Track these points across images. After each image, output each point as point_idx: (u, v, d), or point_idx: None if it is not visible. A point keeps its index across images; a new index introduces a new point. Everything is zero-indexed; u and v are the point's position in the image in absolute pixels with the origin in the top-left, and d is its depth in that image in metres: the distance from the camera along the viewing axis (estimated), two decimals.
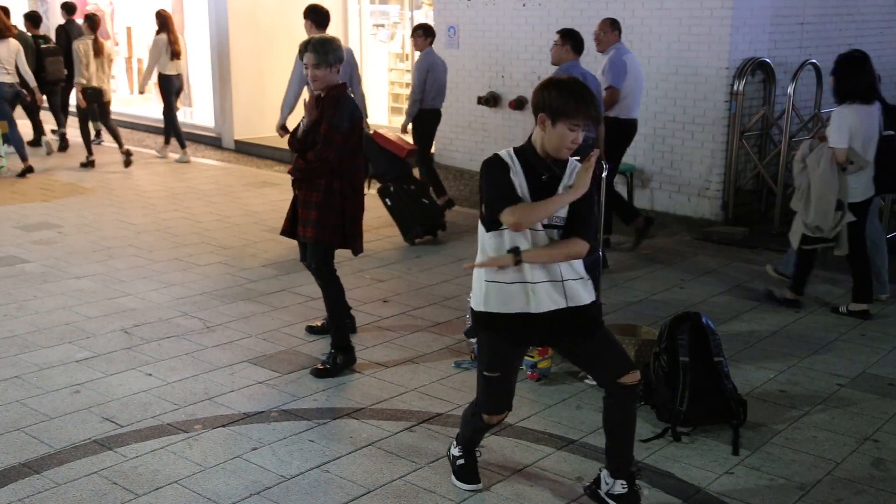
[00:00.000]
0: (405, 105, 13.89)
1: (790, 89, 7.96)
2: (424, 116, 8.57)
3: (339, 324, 4.91)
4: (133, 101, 15.34)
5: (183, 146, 11.17)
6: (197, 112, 13.97)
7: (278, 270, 6.67)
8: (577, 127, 3.16)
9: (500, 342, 3.39)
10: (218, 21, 12.29)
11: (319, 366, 4.82)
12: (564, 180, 3.29)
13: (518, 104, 9.59)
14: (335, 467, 3.85)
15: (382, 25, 14.58)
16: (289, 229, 5.00)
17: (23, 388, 4.61)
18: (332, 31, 14.47)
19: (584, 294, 3.35)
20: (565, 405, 4.49)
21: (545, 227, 3.27)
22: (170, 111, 11.14)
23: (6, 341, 5.25)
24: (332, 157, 4.64)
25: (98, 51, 10.38)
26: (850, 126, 5.40)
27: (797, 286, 5.99)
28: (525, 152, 3.29)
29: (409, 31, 13.53)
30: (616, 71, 7.07)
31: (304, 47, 4.71)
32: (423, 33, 8.60)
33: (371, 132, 7.59)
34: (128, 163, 10.58)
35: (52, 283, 6.34)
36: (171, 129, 11.23)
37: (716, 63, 8.15)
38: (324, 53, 4.65)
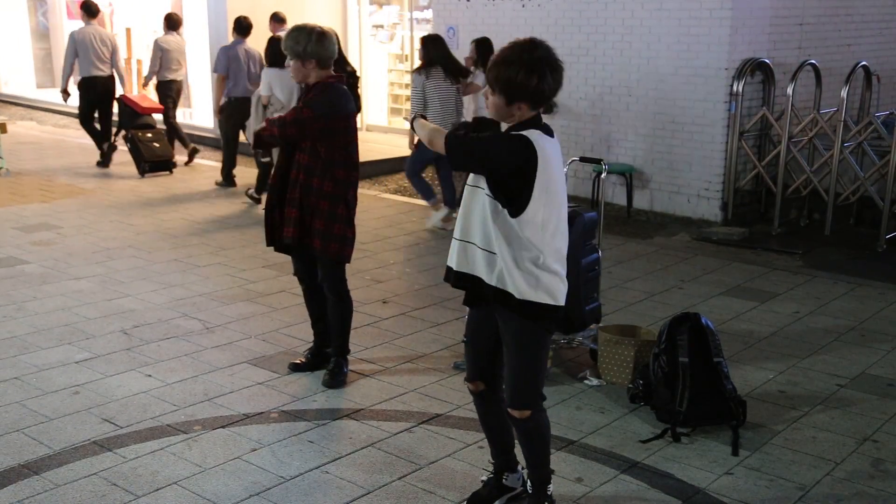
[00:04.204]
0: (405, 105, 13.94)
1: (789, 90, 7.96)
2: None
3: (347, 336, 4.81)
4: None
5: None
6: (196, 113, 13.97)
7: (278, 271, 6.67)
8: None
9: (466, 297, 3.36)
10: (217, 22, 12.28)
11: (327, 376, 4.73)
12: None
13: None
14: (335, 468, 3.85)
15: (382, 26, 14.59)
16: (280, 237, 4.62)
17: (22, 390, 4.61)
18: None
19: (491, 272, 3.16)
20: (565, 406, 4.49)
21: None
22: None
23: (5, 342, 5.25)
24: (292, 133, 4.41)
25: None
26: (270, 82, 8.07)
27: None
28: None
29: (408, 33, 13.56)
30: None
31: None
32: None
33: (121, 95, 10.56)
34: None
35: (51, 285, 6.34)
36: None
37: (715, 64, 8.15)
38: (290, 44, 4.43)
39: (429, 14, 12.70)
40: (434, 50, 7.97)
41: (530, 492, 3.45)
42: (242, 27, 9.41)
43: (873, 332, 5.58)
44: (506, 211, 3.09)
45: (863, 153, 8.06)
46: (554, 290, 3.16)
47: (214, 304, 5.96)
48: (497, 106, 3.12)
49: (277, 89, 8.11)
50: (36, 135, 13.31)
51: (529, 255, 3.10)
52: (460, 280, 3.27)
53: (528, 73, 3.01)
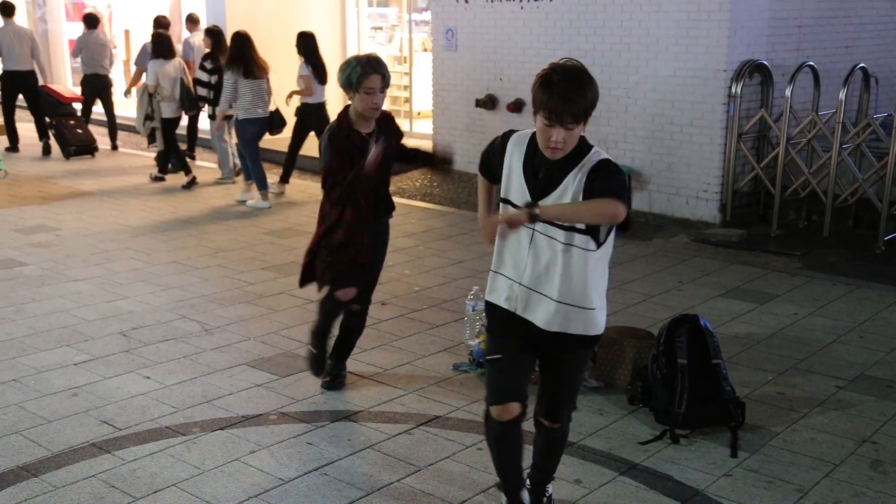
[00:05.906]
0: (403, 107, 13.93)
1: (788, 91, 7.96)
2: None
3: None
4: (130, 103, 15.32)
5: None
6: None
7: (276, 273, 6.67)
8: (550, 126, 2.84)
9: (495, 327, 3.19)
10: (216, 22, 12.28)
11: (328, 378, 4.73)
12: (560, 190, 2.93)
13: (516, 106, 9.60)
14: (333, 470, 3.85)
15: (380, 28, 14.61)
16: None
17: (21, 392, 4.61)
18: (331, 33, 14.49)
19: (552, 318, 3.02)
20: None
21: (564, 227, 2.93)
22: None
23: (4, 344, 5.25)
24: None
25: None
26: (157, 72, 9.53)
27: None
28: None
29: (407, 35, 13.57)
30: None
31: None
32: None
33: (43, 85, 11.70)
34: None
35: (49, 286, 6.33)
36: None
37: (713, 66, 8.16)
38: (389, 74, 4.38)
39: (427, 16, 12.71)
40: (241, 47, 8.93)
41: (528, 488, 3.44)
42: (161, 25, 10.82)
43: (872, 333, 5.59)
44: (593, 250, 2.97)
45: (861, 155, 8.07)
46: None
47: (213, 306, 5.96)
48: (577, 135, 2.88)
49: (163, 79, 9.51)
50: (34, 137, 13.28)
51: (605, 272, 3.10)
52: (550, 338, 3.10)
53: (594, 86, 2.87)
